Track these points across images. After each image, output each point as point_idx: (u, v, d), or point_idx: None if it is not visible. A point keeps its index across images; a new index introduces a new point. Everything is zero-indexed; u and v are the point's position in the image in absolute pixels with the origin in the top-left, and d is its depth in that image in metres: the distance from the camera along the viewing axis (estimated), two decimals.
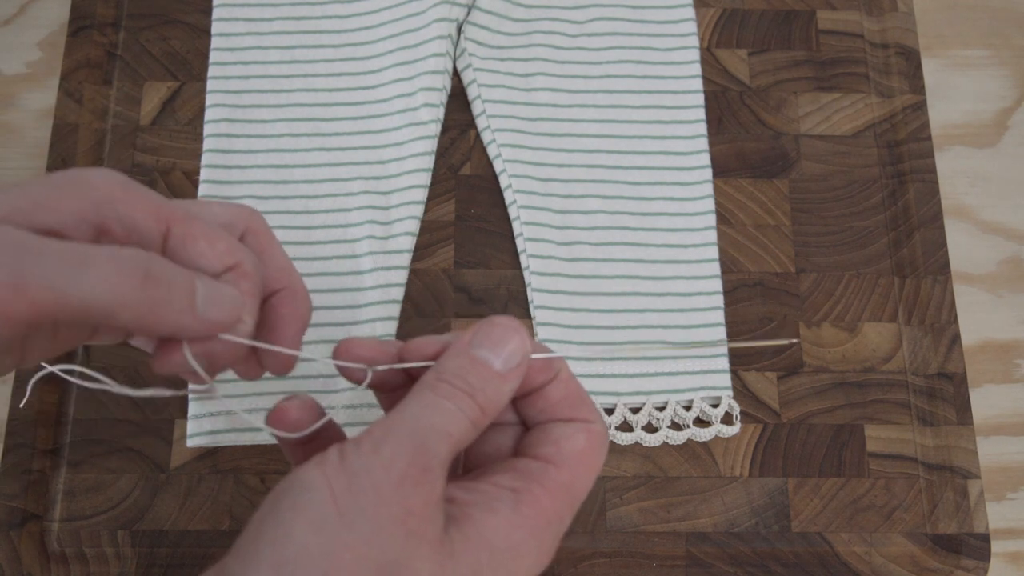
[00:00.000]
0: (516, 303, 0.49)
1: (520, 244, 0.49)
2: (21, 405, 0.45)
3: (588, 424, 0.30)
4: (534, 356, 0.30)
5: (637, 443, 0.47)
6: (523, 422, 0.32)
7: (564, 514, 0.29)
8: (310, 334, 0.47)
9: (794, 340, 0.35)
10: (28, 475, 0.45)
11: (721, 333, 0.48)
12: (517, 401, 0.32)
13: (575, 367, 0.47)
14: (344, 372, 0.32)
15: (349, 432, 0.46)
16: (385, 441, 0.26)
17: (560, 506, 0.29)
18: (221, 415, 0.45)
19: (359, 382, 0.31)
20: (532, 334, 0.48)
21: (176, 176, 0.50)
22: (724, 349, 0.48)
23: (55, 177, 0.28)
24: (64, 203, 0.28)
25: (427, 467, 0.26)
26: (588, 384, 0.47)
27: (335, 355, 0.31)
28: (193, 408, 0.46)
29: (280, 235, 0.49)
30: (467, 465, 0.33)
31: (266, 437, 0.45)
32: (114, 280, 0.26)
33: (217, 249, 0.30)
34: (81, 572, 0.44)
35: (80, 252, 0.26)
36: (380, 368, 0.31)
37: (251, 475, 0.46)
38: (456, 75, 0.53)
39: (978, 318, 0.51)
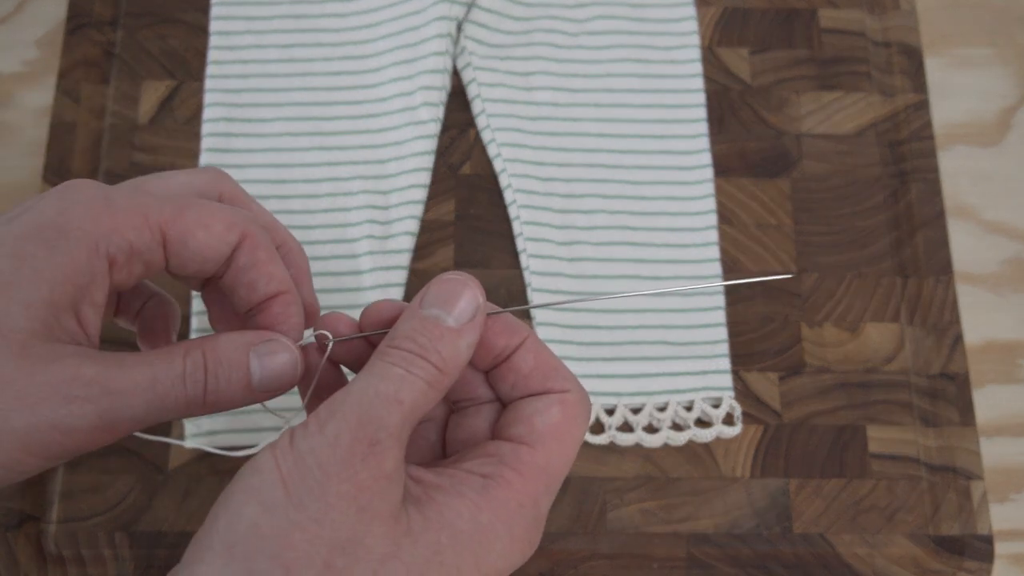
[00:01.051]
0: (516, 303, 0.49)
1: (520, 244, 0.49)
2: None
3: (563, 395, 0.29)
4: (489, 313, 0.29)
5: (638, 444, 0.46)
6: (500, 400, 0.31)
7: (539, 496, 0.28)
8: (309, 334, 0.47)
9: (790, 274, 0.34)
10: None
11: (722, 333, 0.48)
12: (488, 376, 0.31)
13: (575, 367, 0.47)
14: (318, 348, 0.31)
15: None
16: (331, 418, 0.26)
17: (534, 488, 0.28)
18: (219, 415, 0.45)
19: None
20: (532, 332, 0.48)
21: None
22: (725, 349, 0.48)
23: (36, 248, 0.27)
24: (63, 272, 0.28)
25: (374, 440, 0.26)
26: (588, 384, 0.47)
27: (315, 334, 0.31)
28: None
29: None
30: (446, 451, 0.32)
31: (266, 438, 0.45)
32: (183, 401, 0.28)
33: (216, 232, 0.30)
34: (78, 574, 0.44)
35: (157, 382, 0.28)
36: (341, 339, 0.31)
37: None
38: (456, 74, 0.52)
39: (981, 318, 0.50)
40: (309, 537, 0.25)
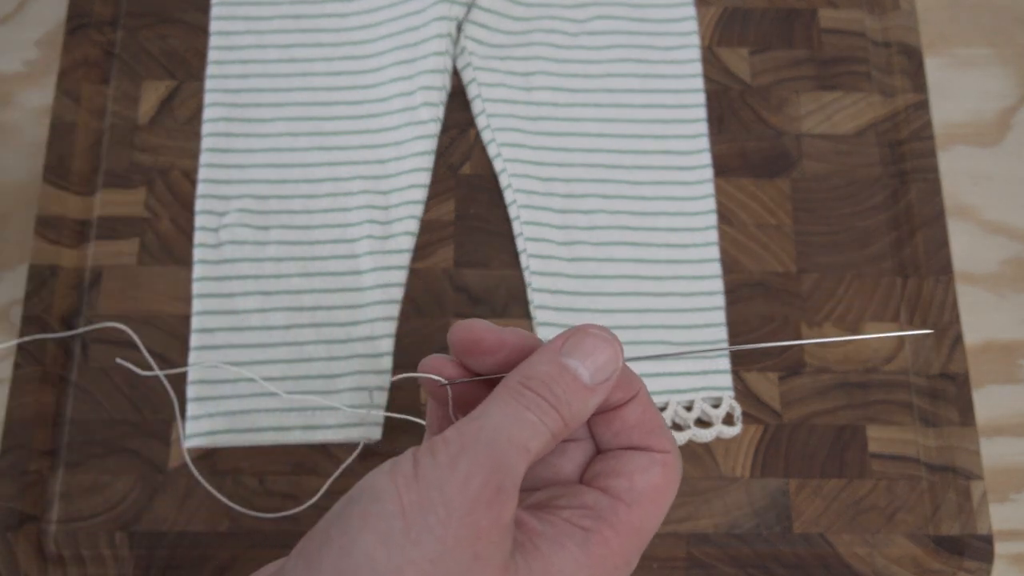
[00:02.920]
0: (516, 303, 0.49)
1: (520, 244, 0.49)
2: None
3: (664, 456, 0.29)
4: (625, 362, 0.28)
5: None
6: (595, 444, 0.30)
7: (631, 557, 0.28)
8: (309, 334, 0.47)
9: (929, 330, 0.33)
10: (25, 476, 0.45)
11: (722, 333, 0.48)
12: (592, 419, 0.30)
13: None
14: (426, 385, 0.31)
15: (348, 433, 0.46)
16: (463, 454, 0.25)
17: (628, 549, 0.27)
18: (219, 416, 0.45)
19: (438, 396, 0.30)
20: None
21: (174, 176, 0.50)
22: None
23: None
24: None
25: (502, 487, 0.25)
26: None
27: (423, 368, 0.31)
28: (191, 409, 0.45)
29: (280, 235, 0.48)
30: (525, 482, 0.30)
31: (266, 438, 0.45)
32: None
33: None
34: (78, 574, 0.44)
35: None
36: (458, 381, 0.30)
37: (250, 476, 0.45)
38: (456, 74, 0.52)
39: (981, 318, 0.50)
40: (421, 574, 0.24)
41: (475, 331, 0.29)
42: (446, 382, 0.30)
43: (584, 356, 0.28)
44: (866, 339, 0.31)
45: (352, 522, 0.25)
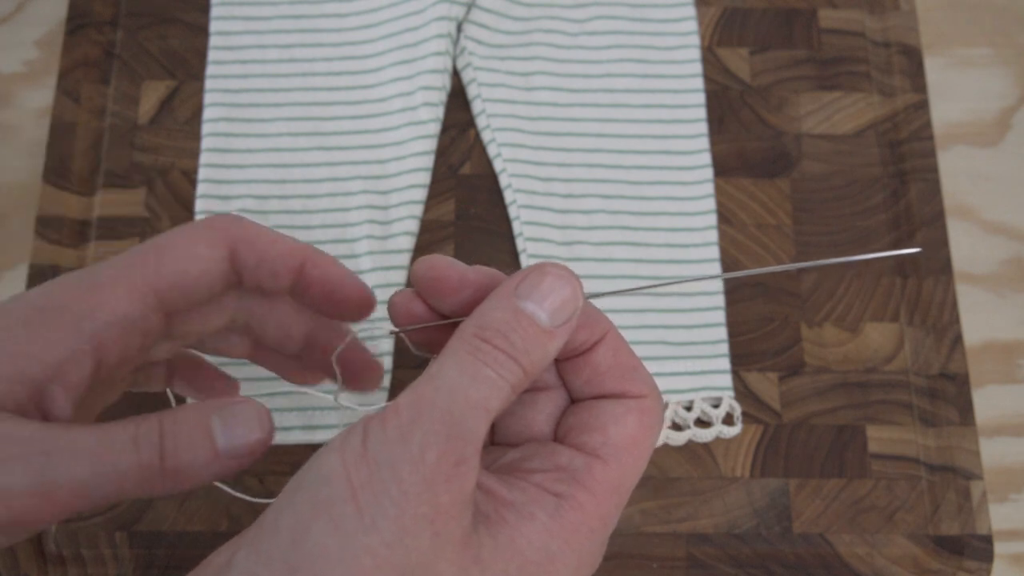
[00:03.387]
0: None
1: (520, 244, 0.49)
2: None
3: (640, 400, 0.27)
4: (587, 300, 0.26)
5: None
6: (568, 393, 0.28)
7: (610, 517, 0.26)
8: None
9: (917, 248, 0.32)
10: None
11: (722, 333, 0.48)
12: (561, 367, 0.28)
13: None
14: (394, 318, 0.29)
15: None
16: (415, 424, 0.23)
17: (606, 509, 0.26)
18: None
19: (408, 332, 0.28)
20: None
21: (174, 175, 0.50)
22: (725, 349, 0.48)
23: (10, 328, 0.26)
24: (32, 350, 0.25)
25: (462, 458, 0.23)
26: None
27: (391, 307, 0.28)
28: None
29: None
30: (496, 437, 0.29)
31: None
32: (135, 466, 0.25)
33: (201, 253, 0.28)
34: (78, 574, 0.44)
35: (103, 443, 0.25)
36: (405, 329, 0.28)
37: (250, 476, 0.45)
38: (456, 74, 0.52)
39: (980, 318, 0.50)
40: (379, 563, 0.22)
41: (437, 268, 0.27)
42: (396, 330, 0.28)
43: (541, 297, 0.25)
44: (860, 259, 0.29)
45: (301, 509, 0.23)
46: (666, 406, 0.47)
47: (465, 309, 0.27)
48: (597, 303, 0.28)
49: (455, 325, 0.27)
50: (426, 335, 0.29)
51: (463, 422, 0.23)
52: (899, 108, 0.53)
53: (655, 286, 0.29)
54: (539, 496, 0.25)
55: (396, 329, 0.28)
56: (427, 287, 0.28)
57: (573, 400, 0.28)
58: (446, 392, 0.24)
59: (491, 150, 0.51)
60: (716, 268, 0.49)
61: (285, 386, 0.46)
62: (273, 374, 0.46)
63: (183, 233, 0.29)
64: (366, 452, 0.23)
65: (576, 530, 0.25)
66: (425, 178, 0.50)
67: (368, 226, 0.49)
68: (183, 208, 0.49)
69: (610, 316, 0.47)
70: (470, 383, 0.24)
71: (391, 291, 0.47)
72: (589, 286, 0.48)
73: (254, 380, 0.46)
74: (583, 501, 0.25)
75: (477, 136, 0.51)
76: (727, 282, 0.49)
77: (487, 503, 0.25)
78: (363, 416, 0.24)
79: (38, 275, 0.48)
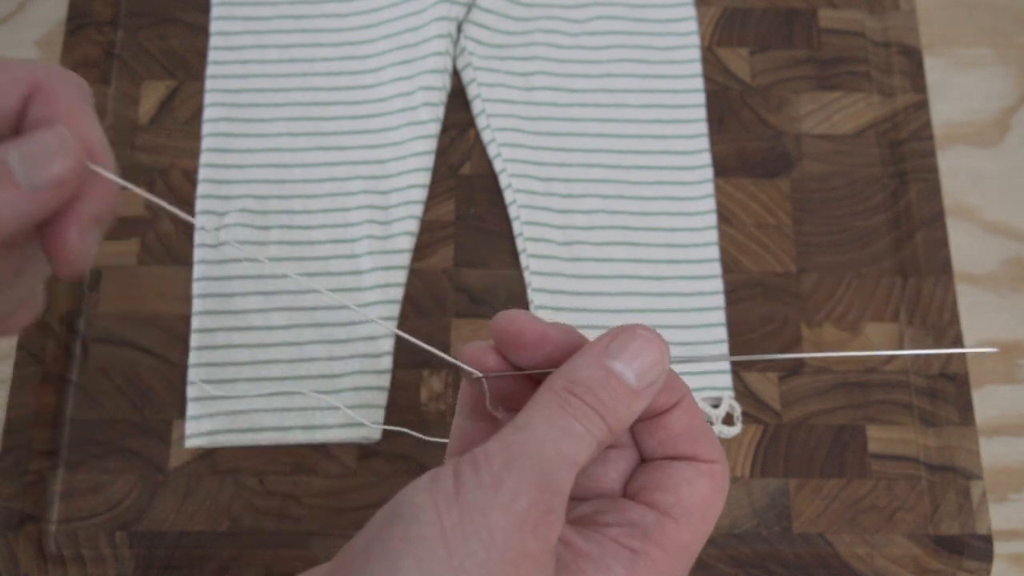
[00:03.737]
0: (516, 303, 0.49)
1: (520, 244, 0.49)
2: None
3: (711, 466, 0.27)
4: (672, 366, 0.27)
5: None
6: (639, 452, 0.29)
7: (679, 574, 0.26)
8: (309, 334, 0.47)
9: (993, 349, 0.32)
10: (25, 476, 0.45)
11: (722, 333, 0.48)
12: (635, 426, 0.29)
13: None
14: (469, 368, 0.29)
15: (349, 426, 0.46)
16: (507, 471, 0.24)
17: (676, 567, 0.26)
18: (220, 416, 0.45)
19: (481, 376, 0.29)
20: None
21: (174, 175, 0.50)
22: (725, 349, 0.48)
23: None
24: None
25: (550, 508, 0.24)
26: None
27: (463, 354, 0.29)
28: (192, 409, 0.45)
29: (280, 235, 0.48)
30: (574, 493, 0.29)
31: (266, 438, 0.45)
32: None
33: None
34: (79, 573, 0.44)
35: None
36: (495, 375, 0.29)
37: (250, 476, 0.45)
38: (456, 74, 0.52)
39: (980, 318, 0.50)
40: None
41: (517, 323, 0.28)
42: (482, 375, 0.29)
43: (631, 358, 0.26)
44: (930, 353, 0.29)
45: (392, 544, 0.23)
46: None
47: (542, 364, 0.28)
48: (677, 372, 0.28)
49: (533, 379, 0.28)
50: (503, 387, 0.29)
51: (553, 473, 0.24)
52: (899, 108, 0.53)
53: (763, 359, 0.29)
54: (615, 549, 0.26)
55: (481, 374, 0.29)
56: (507, 340, 0.28)
57: (643, 459, 0.29)
58: (537, 443, 0.24)
59: (491, 150, 0.51)
60: (716, 268, 0.49)
61: (285, 386, 0.46)
62: (274, 375, 0.46)
63: None
64: (458, 495, 0.24)
65: None
66: (425, 178, 0.50)
67: (368, 226, 0.49)
68: (183, 208, 0.49)
69: (610, 316, 0.48)
70: (560, 436, 0.25)
71: (391, 291, 0.48)
72: (589, 286, 0.48)
73: (254, 380, 0.46)
74: (656, 558, 0.26)
75: (477, 136, 0.51)
76: (728, 282, 0.49)
77: (565, 553, 0.25)
78: (451, 461, 0.25)
79: None
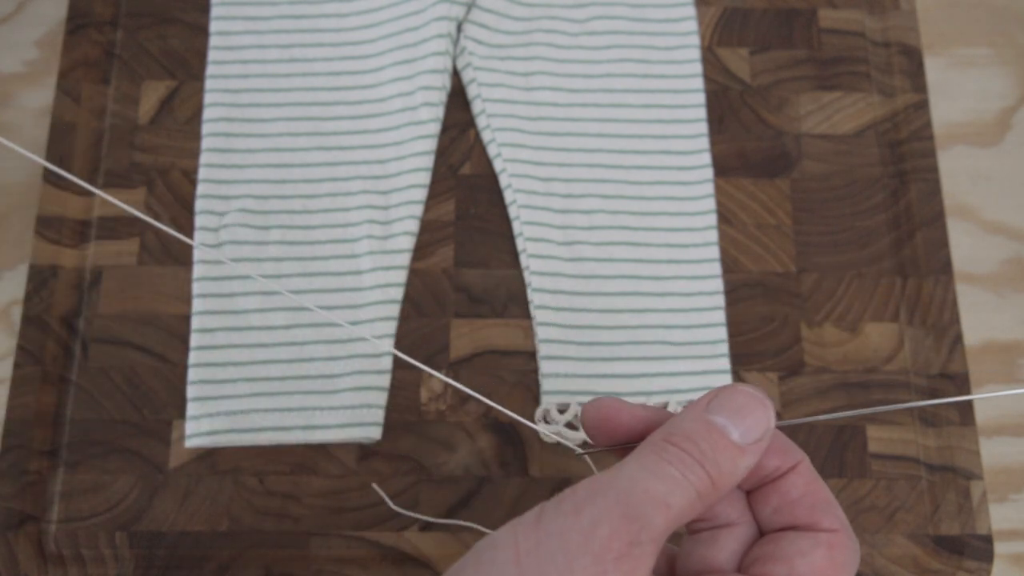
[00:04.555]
0: (516, 303, 0.49)
1: (520, 244, 0.49)
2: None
3: (831, 535, 0.25)
4: (777, 425, 0.26)
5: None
6: (757, 527, 0.28)
7: None
8: (309, 334, 0.47)
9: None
10: (25, 476, 0.45)
11: (722, 333, 0.48)
12: (750, 497, 0.28)
13: (575, 367, 0.47)
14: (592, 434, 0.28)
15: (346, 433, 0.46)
16: (589, 502, 0.23)
17: None
18: (220, 416, 0.45)
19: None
20: (534, 334, 0.48)
21: (174, 175, 0.50)
22: (725, 349, 0.48)
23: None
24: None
25: (635, 541, 0.22)
26: (588, 385, 0.47)
27: (586, 416, 0.28)
28: (192, 409, 0.45)
29: (280, 235, 0.48)
30: (686, 570, 0.28)
31: (265, 438, 0.45)
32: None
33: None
34: (79, 573, 0.44)
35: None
36: (589, 451, 0.29)
37: (250, 476, 0.45)
38: (456, 74, 0.52)
39: (980, 318, 0.50)
40: None
41: (605, 408, 0.28)
42: (581, 451, 0.29)
43: (732, 413, 0.25)
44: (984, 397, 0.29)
45: (467, 571, 0.23)
46: (666, 406, 0.47)
47: (634, 439, 0.27)
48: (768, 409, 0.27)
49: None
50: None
51: (640, 507, 0.23)
52: (899, 108, 0.53)
53: (857, 414, 0.29)
54: None
55: (581, 450, 0.29)
56: (598, 427, 0.28)
57: (762, 534, 0.28)
58: (625, 479, 0.24)
59: (491, 150, 0.51)
60: (716, 268, 0.49)
61: (285, 386, 0.46)
62: (274, 375, 0.46)
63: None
64: (538, 523, 0.23)
65: None
66: (425, 178, 0.50)
67: (368, 226, 0.49)
68: (183, 208, 0.49)
69: (610, 316, 0.48)
70: (650, 476, 0.24)
71: (391, 291, 0.48)
72: (589, 286, 0.48)
73: (255, 380, 0.46)
74: None
75: (477, 136, 0.51)
76: (728, 282, 0.49)
77: None
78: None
79: (38, 275, 0.48)
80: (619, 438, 0.28)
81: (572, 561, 0.22)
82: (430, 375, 0.47)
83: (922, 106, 0.53)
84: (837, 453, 0.47)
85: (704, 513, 0.27)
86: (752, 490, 0.27)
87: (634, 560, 0.22)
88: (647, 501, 0.23)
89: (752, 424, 0.25)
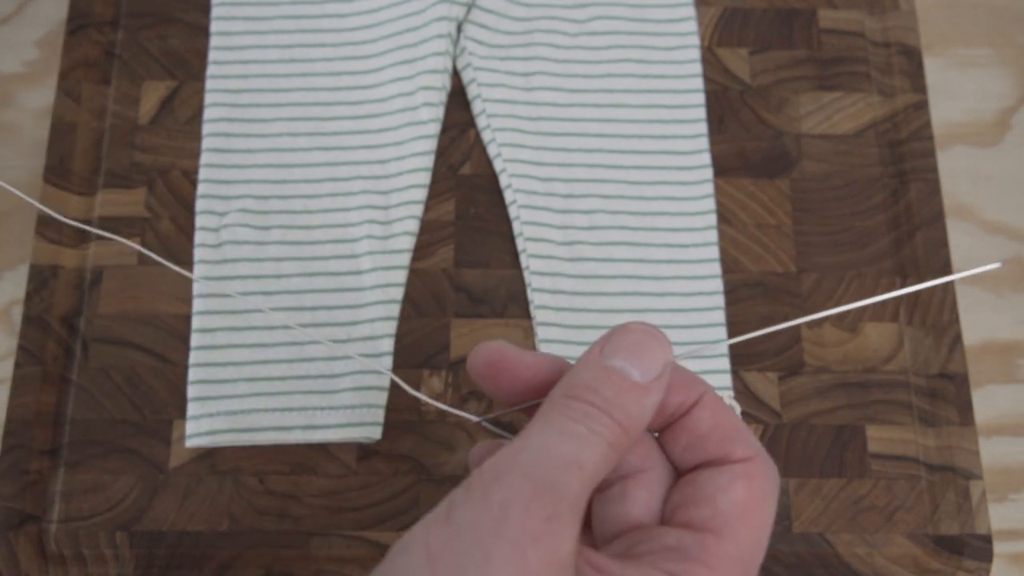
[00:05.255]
0: (516, 303, 0.49)
1: (520, 244, 0.49)
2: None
3: (746, 465, 0.25)
4: (676, 360, 0.25)
5: None
6: (674, 469, 0.27)
7: None
8: (311, 334, 0.47)
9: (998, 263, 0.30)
10: (26, 476, 0.45)
11: (722, 333, 0.48)
12: (660, 439, 0.27)
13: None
14: (487, 386, 0.27)
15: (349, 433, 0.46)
16: (496, 483, 0.21)
17: None
18: (220, 416, 0.45)
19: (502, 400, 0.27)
20: (534, 334, 0.48)
21: (175, 176, 0.50)
22: (725, 349, 0.48)
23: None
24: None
25: (552, 514, 0.21)
26: None
27: (478, 364, 0.27)
28: (192, 409, 0.45)
29: (280, 235, 0.49)
30: (603, 531, 0.26)
31: (266, 438, 0.45)
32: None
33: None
34: (79, 573, 0.44)
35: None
36: (488, 416, 0.27)
37: (250, 476, 0.45)
38: (456, 74, 0.52)
39: (980, 318, 0.50)
40: None
41: (490, 353, 0.26)
42: (478, 419, 0.28)
43: (628, 354, 0.24)
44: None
45: None
46: None
47: (535, 396, 0.26)
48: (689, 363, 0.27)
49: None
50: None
51: (551, 477, 0.22)
52: (899, 108, 0.53)
53: (744, 339, 0.28)
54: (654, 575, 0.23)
55: (478, 419, 0.28)
56: (486, 376, 0.27)
57: (679, 475, 0.27)
58: (531, 450, 0.22)
59: (491, 150, 0.51)
60: (716, 268, 0.49)
61: (285, 386, 0.46)
62: (274, 375, 0.46)
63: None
64: (448, 518, 0.22)
65: None
66: (425, 178, 0.50)
67: (368, 226, 0.49)
68: (184, 208, 0.49)
69: (610, 316, 0.48)
70: (557, 439, 0.23)
71: (391, 291, 0.48)
72: (589, 286, 0.48)
73: (255, 380, 0.46)
74: None
75: (477, 136, 0.51)
76: (727, 282, 0.49)
77: None
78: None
79: (38, 275, 0.48)
80: (518, 392, 0.26)
81: (489, 554, 0.20)
82: (430, 375, 0.47)
83: (922, 106, 0.53)
84: (837, 453, 0.47)
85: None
86: (662, 432, 0.26)
87: (555, 535, 0.21)
88: (557, 467, 0.22)
89: (650, 360, 0.25)
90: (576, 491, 0.22)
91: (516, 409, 0.27)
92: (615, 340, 0.25)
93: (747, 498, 0.24)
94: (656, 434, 0.27)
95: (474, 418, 0.28)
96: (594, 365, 0.25)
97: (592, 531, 0.27)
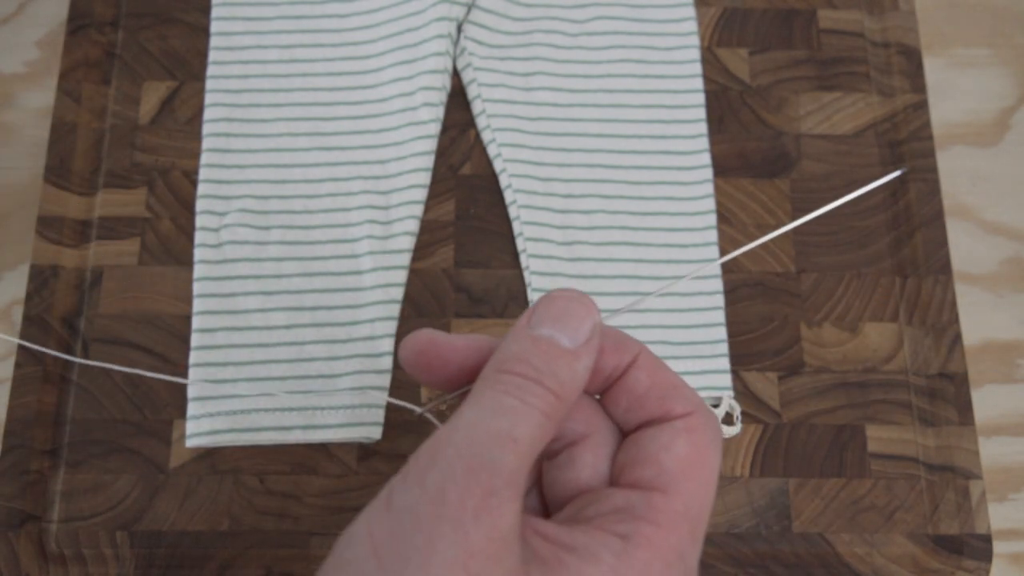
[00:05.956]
0: (516, 303, 0.49)
1: (520, 244, 0.49)
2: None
3: (687, 420, 0.25)
4: (606, 322, 0.25)
5: None
6: (619, 431, 0.27)
7: (685, 548, 0.24)
8: (309, 334, 0.47)
9: (899, 171, 0.30)
10: (26, 476, 0.45)
11: (722, 333, 0.48)
12: (602, 402, 0.27)
13: None
14: (417, 371, 0.27)
15: (347, 433, 0.46)
16: (432, 465, 0.22)
17: (678, 540, 0.23)
18: (220, 415, 0.45)
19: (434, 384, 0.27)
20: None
21: (175, 176, 0.50)
22: (725, 349, 0.48)
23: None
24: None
25: (489, 491, 0.21)
26: None
27: (407, 355, 0.27)
28: (192, 408, 0.45)
29: (280, 235, 0.49)
30: (555, 497, 0.27)
31: (266, 438, 0.45)
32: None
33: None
34: (79, 573, 0.44)
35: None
36: (430, 406, 0.27)
37: (250, 476, 0.45)
38: (456, 74, 0.52)
39: (979, 318, 0.50)
40: None
41: (420, 342, 0.26)
42: (420, 410, 0.27)
43: (555, 321, 0.24)
44: (852, 197, 0.28)
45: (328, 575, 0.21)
46: None
47: (469, 378, 0.26)
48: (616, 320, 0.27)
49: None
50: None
51: (486, 454, 0.22)
52: (898, 108, 0.53)
53: (660, 292, 0.28)
54: (603, 538, 0.23)
55: (420, 409, 0.28)
56: (418, 364, 0.27)
57: (624, 437, 0.27)
58: (464, 429, 0.22)
59: (491, 150, 0.51)
60: (716, 268, 0.49)
61: (285, 386, 0.46)
62: (274, 375, 0.46)
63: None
64: (388, 506, 0.22)
65: (648, 566, 0.23)
66: (425, 178, 0.50)
67: (368, 226, 0.49)
68: (184, 208, 0.50)
69: (611, 316, 0.48)
70: (489, 415, 0.23)
71: (391, 291, 0.48)
72: (589, 286, 0.48)
73: (255, 380, 0.46)
74: (650, 535, 0.23)
75: (477, 136, 0.51)
76: (727, 282, 0.49)
77: (545, 547, 0.23)
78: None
79: (38, 275, 0.48)
80: (452, 378, 0.26)
81: (431, 537, 0.21)
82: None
83: (921, 106, 0.53)
84: (836, 453, 0.47)
85: (556, 432, 0.26)
86: (604, 395, 0.26)
87: (494, 511, 0.21)
88: (491, 443, 0.22)
89: (577, 324, 0.24)
90: (512, 465, 0.22)
91: (458, 394, 0.27)
92: (541, 309, 0.25)
93: (690, 452, 0.24)
94: (598, 397, 0.27)
95: (417, 409, 0.28)
96: (522, 337, 0.24)
97: (546, 499, 0.27)
